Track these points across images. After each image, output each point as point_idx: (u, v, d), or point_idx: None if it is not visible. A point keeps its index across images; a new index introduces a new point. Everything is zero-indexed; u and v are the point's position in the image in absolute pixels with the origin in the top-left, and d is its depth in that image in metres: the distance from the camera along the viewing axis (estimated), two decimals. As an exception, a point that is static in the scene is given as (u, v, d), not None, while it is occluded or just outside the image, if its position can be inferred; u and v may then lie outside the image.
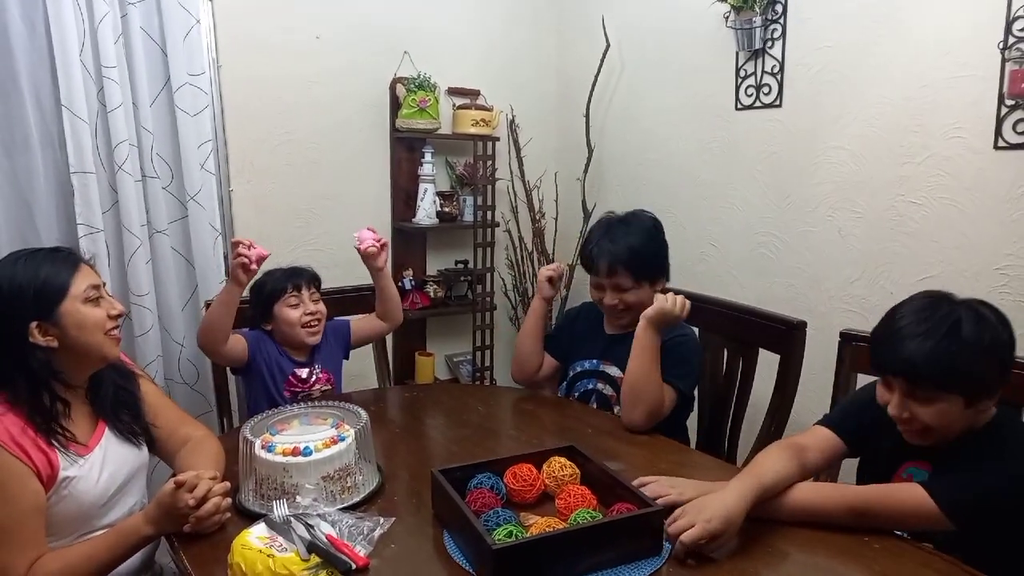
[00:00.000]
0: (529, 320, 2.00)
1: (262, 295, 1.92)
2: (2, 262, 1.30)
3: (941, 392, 1.18)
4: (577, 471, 1.37)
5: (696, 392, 1.93)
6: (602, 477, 1.33)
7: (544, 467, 1.37)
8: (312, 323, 1.91)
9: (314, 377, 1.93)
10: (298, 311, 1.89)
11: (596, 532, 1.13)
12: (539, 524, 1.17)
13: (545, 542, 1.10)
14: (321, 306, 1.95)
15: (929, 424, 1.20)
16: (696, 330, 1.93)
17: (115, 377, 1.42)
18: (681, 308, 1.71)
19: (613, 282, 1.82)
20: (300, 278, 1.92)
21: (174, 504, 1.21)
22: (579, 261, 2.00)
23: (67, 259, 1.33)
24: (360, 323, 2.10)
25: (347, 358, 2.08)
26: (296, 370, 1.91)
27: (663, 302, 1.71)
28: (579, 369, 1.94)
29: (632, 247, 1.80)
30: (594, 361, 1.90)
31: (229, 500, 1.28)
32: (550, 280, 1.97)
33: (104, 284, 1.38)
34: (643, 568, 1.13)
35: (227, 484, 1.28)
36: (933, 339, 1.17)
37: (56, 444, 1.26)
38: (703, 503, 1.20)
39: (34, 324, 1.25)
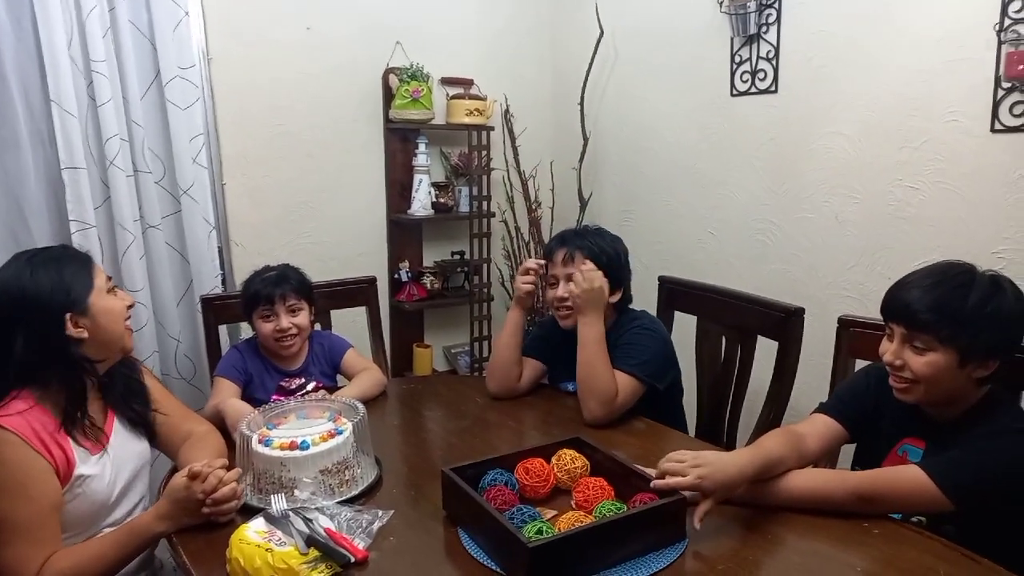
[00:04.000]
0: (506, 330, 1.87)
1: (244, 300, 1.86)
2: (8, 264, 1.33)
3: (936, 343, 1.20)
4: (587, 463, 1.36)
5: (683, 380, 1.91)
6: (613, 467, 1.32)
7: (554, 460, 1.36)
8: (284, 339, 1.82)
9: (307, 389, 1.86)
10: (270, 325, 1.81)
11: (626, 524, 1.13)
12: (567, 519, 1.16)
13: (579, 537, 1.09)
14: (300, 319, 1.84)
15: (918, 375, 1.22)
16: (690, 319, 1.92)
17: (123, 368, 1.46)
18: (590, 281, 1.70)
19: (567, 271, 1.77)
20: (278, 288, 1.81)
21: (189, 497, 1.22)
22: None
23: (82, 255, 1.40)
24: (353, 363, 1.96)
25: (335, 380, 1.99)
26: (282, 382, 1.86)
27: (578, 281, 1.71)
28: (561, 391, 1.92)
29: (596, 242, 1.80)
30: (575, 382, 1.83)
31: (243, 487, 1.29)
32: (528, 293, 1.87)
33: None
34: (666, 556, 1.14)
35: (238, 470, 1.29)
36: (938, 290, 1.21)
37: (76, 439, 1.29)
38: (707, 459, 1.21)
39: (69, 315, 1.30)
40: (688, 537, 1.18)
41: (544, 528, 1.12)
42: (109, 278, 1.41)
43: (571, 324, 1.78)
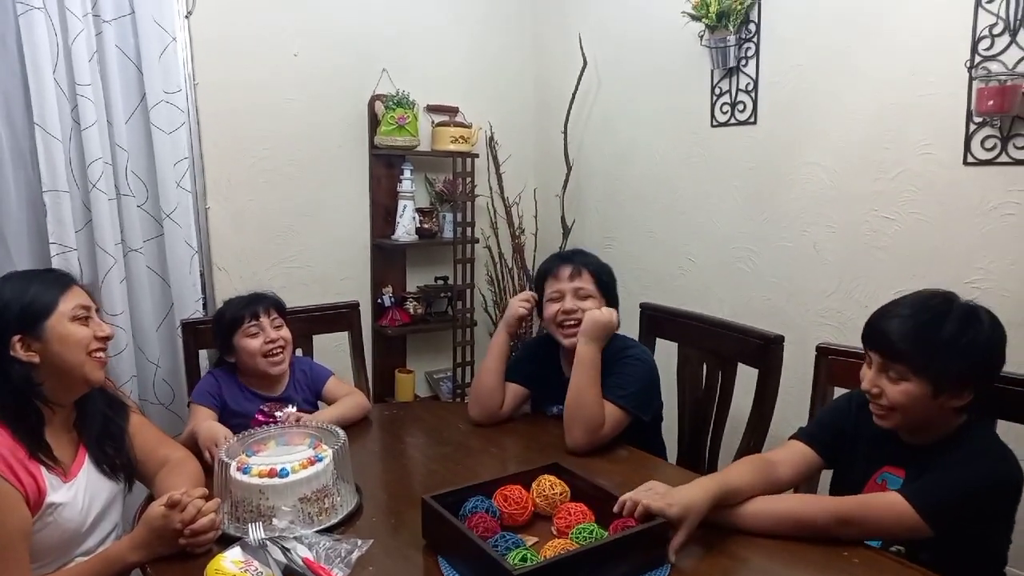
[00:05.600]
0: (491, 355, 1.87)
1: (221, 326, 1.83)
2: None
3: (910, 374, 1.22)
4: (567, 488, 1.36)
5: (666, 408, 1.91)
6: (593, 492, 1.32)
7: (533, 486, 1.36)
8: (274, 351, 1.80)
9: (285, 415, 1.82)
10: (258, 340, 1.79)
11: (612, 549, 1.13)
12: (552, 546, 1.16)
13: (566, 563, 1.08)
14: (284, 332, 1.83)
15: (894, 403, 1.24)
16: (671, 346, 1.93)
17: (105, 408, 1.42)
18: (609, 316, 1.75)
19: (574, 286, 1.80)
20: (258, 305, 1.82)
21: (166, 526, 1.20)
22: (534, 285, 1.95)
23: (59, 279, 1.36)
24: (335, 390, 1.94)
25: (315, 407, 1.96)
26: (263, 407, 1.83)
27: (593, 313, 1.74)
28: (547, 415, 1.91)
29: (597, 261, 1.86)
30: (560, 406, 1.80)
31: (222, 515, 1.27)
32: (521, 318, 1.88)
33: (98, 309, 1.40)
34: None
35: (217, 500, 1.27)
36: (914, 321, 1.23)
37: (42, 466, 1.26)
38: (672, 490, 1.24)
39: (16, 338, 1.26)
40: (669, 563, 1.18)
41: (528, 555, 1.12)
42: (86, 307, 1.35)
43: (576, 342, 1.76)
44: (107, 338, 1.37)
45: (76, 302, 1.33)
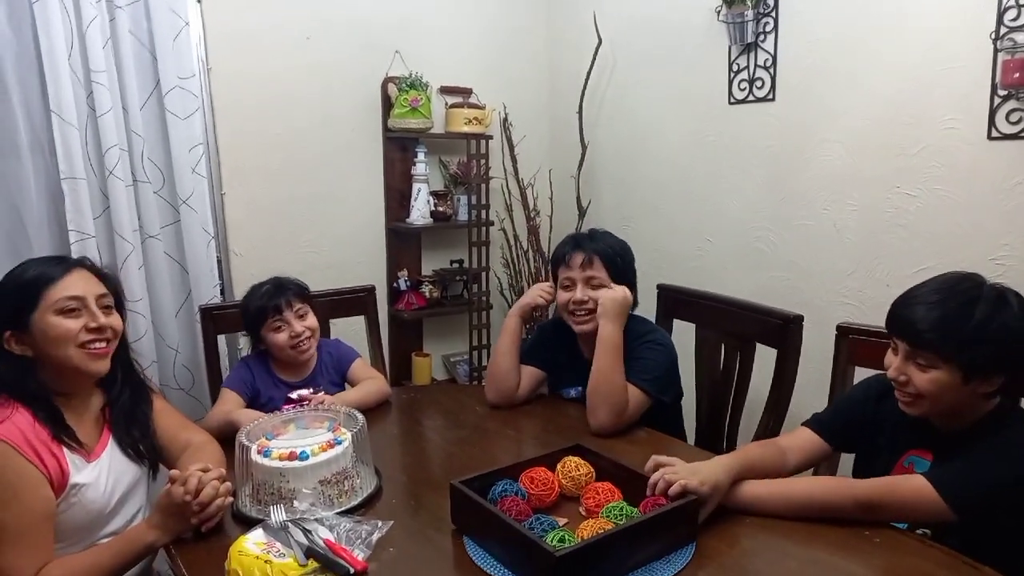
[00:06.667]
0: (504, 339, 1.88)
1: (247, 319, 1.84)
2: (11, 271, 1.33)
3: (939, 361, 1.19)
4: (592, 469, 1.36)
5: (684, 390, 1.91)
6: (617, 472, 1.33)
7: (559, 468, 1.36)
8: (301, 343, 1.82)
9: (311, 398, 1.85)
10: (283, 334, 1.80)
11: (649, 527, 1.14)
12: (588, 526, 1.17)
13: (605, 543, 1.09)
14: (309, 320, 1.84)
15: (922, 391, 1.21)
16: (688, 327, 1.92)
17: (131, 394, 1.44)
18: (623, 293, 1.75)
19: (586, 275, 1.79)
20: (280, 298, 1.81)
21: (172, 501, 1.21)
22: (550, 267, 1.94)
23: (55, 267, 1.32)
24: (359, 373, 1.95)
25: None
26: (290, 394, 1.84)
27: (607, 294, 1.75)
28: (565, 398, 1.91)
29: (610, 244, 1.83)
30: (579, 388, 1.84)
31: (229, 484, 1.28)
32: (537, 307, 1.90)
33: (103, 295, 1.35)
34: (673, 564, 1.14)
35: (220, 470, 1.28)
36: (942, 309, 1.19)
37: (65, 447, 1.27)
38: (697, 467, 1.26)
39: (8, 333, 1.27)
40: (695, 542, 1.18)
41: (566, 536, 1.12)
42: (78, 297, 1.29)
43: (589, 329, 1.77)
44: (100, 328, 1.31)
45: (65, 293, 1.28)
